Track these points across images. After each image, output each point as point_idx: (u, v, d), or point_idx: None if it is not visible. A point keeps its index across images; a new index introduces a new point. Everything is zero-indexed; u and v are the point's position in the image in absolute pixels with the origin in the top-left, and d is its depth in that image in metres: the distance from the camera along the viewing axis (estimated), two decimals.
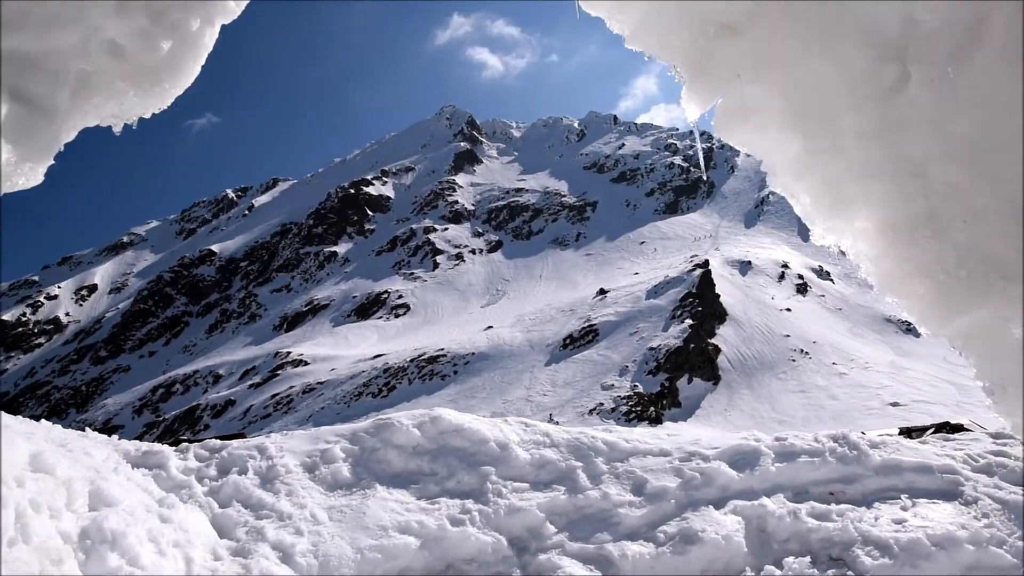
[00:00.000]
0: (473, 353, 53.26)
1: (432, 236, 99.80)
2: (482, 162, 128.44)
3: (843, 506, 5.55)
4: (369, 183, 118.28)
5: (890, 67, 3.00)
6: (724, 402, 43.62)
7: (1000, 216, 2.83)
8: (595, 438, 6.52)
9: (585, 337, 51.40)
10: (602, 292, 62.50)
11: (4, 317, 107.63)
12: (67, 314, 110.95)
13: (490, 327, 61.40)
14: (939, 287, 3.22)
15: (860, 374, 45.99)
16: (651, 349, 46.36)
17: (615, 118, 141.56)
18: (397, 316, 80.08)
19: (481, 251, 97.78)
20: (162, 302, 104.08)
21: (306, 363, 62.42)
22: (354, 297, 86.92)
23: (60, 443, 5.13)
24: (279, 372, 61.23)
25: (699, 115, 3.73)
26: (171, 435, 53.45)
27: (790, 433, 6.57)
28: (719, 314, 52.97)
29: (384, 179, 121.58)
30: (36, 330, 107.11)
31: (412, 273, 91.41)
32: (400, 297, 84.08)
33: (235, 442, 6.57)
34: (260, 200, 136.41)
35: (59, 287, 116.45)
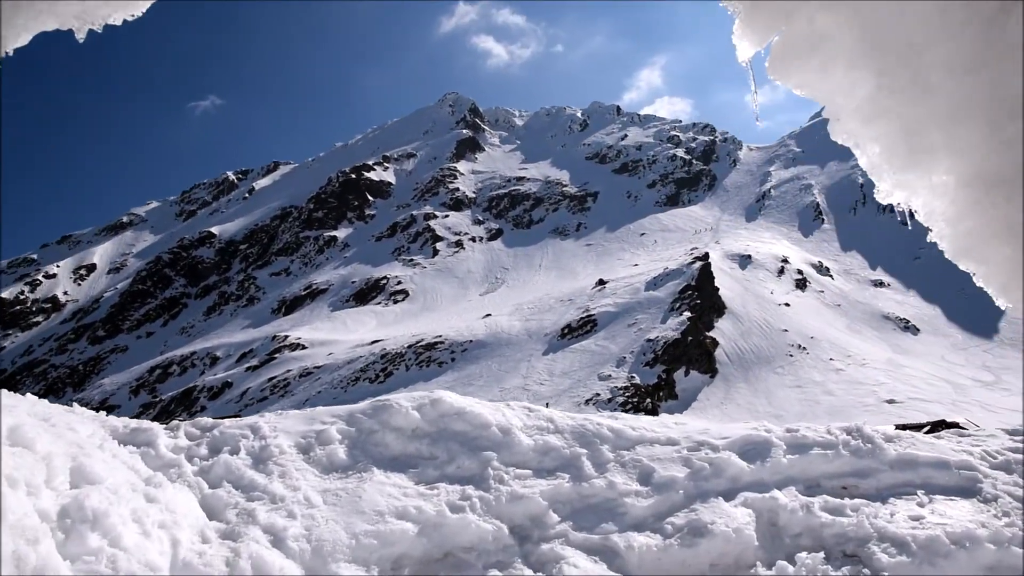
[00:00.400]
0: (471, 341, 53.17)
1: (432, 223, 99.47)
2: (484, 150, 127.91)
3: (857, 501, 5.34)
4: (370, 168, 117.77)
5: None
6: (720, 395, 43.56)
7: None
8: (600, 425, 6.31)
9: (583, 327, 51.30)
10: (601, 283, 62.35)
11: (2, 295, 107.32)
12: (65, 293, 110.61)
13: (488, 315, 61.27)
14: None
15: (857, 371, 45.95)
16: (649, 341, 46.25)
17: (618, 109, 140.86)
18: (396, 302, 79.92)
19: (481, 239, 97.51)
20: (161, 283, 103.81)
21: (304, 347, 62.33)
22: (353, 282, 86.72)
23: (43, 417, 4.90)
24: (276, 355, 61.13)
25: (753, 53, 3.36)
26: (167, 416, 53.32)
27: (801, 424, 6.36)
28: (718, 307, 52.85)
29: (385, 165, 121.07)
30: (34, 308, 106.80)
31: (411, 259, 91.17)
32: (399, 283, 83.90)
33: (227, 421, 6.35)
34: (261, 183, 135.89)
35: (58, 266, 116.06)
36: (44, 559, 3.23)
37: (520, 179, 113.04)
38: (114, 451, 5.04)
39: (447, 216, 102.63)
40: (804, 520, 5.15)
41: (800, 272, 66.93)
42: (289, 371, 55.47)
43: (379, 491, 5.37)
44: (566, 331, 51.39)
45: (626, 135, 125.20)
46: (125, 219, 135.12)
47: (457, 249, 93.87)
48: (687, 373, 44.70)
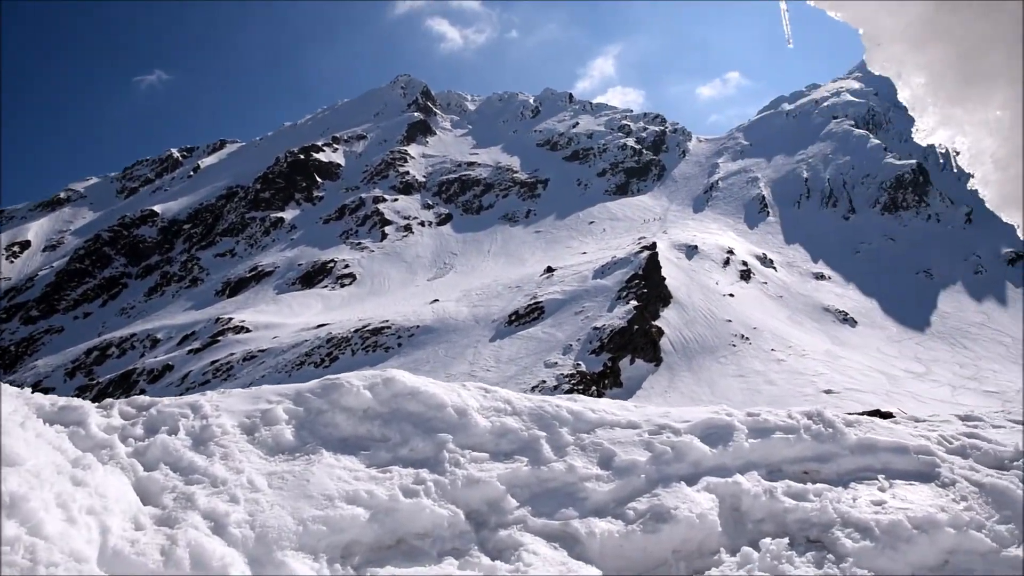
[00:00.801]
0: (418, 326, 52.72)
1: (381, 206, 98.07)
2: (435, 133, 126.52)
3: (819, 486, 5.28)
4: (319, 149, 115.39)
5: None
6: (665, 384, 44.05)
7: None
8: (559, 407, 6.12)
9: (531, 314, 51.29)
10: (549, 270, 62.41)
11: None
12: None
13: (436, 300, 60.82)
14: None
15: (797, 361, 46.98)
16: (595, 329, 46.46)
17: (570, 96, 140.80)
18: (343, 286, 78.72)
19: (430, 224, 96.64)
20: (99, 262, 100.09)
21: (248, 330, 60.97)
22: (299, 265, 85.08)
23: None
24: (220, 338, 59.64)
25: None
26: (105, 400, 51.51)
27: (762, 409, 6.28)
28: (664, 297, 53.38)
29: (335, 146, 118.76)
30: None
31: (359, 243, 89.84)
32: (346, 267, 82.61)
33: (166, 399, 5.97)
34: (206, 161, 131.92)
35: None
36: None
37: (471, 164, 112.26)
38: (38, 430, 4.64)
39: (396, 200, 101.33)
40: (767, 505, 5.06)
41: (745, 263, 68.08)
42: (232, 354, 54.19)
43: (328, 474, 5.09)
44: (513, 318, 51.31)
45: (577, 123, 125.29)
46: (63, 195, 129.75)
47: (406, 233, 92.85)
48: (632, 361, 45.06)
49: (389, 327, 53.20)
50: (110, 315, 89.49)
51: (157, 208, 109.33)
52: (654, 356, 46.11)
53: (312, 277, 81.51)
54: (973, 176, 2.93)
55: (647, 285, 53.13)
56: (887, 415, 9.67)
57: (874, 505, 5.04)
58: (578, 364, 42.70)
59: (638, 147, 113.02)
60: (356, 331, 53.54)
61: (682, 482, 5.31)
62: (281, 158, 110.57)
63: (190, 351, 59.47)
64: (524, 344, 46.91)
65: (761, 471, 5.53)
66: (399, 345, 50.37)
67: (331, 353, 50.82)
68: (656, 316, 50.19)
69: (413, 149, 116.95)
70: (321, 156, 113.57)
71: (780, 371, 45.02)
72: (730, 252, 69.31)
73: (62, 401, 5.69)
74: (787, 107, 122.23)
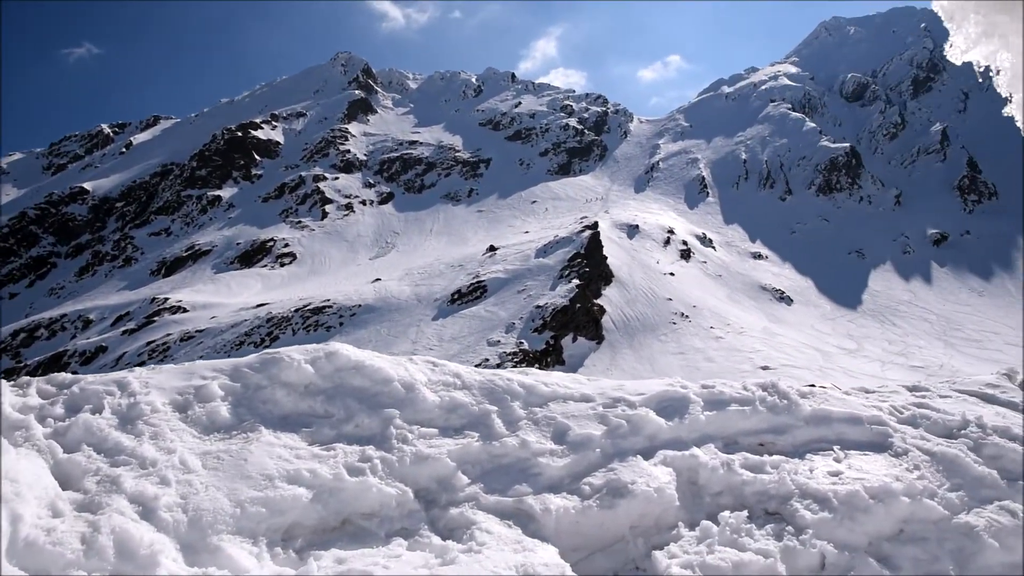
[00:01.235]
0: (360, 305, 52.00)
1: (322, 185, 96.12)
2: (376, 112, 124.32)
3: (776, 457, 5.21)
4: (258, 127, 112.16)
5: None
6: (607, 361, 44.49)
7: None
8: (510, 380, 5.90)
9: (473, 293, 51.11)
10: (492, 249, 62.22)
11: None
12: None
13: (378, 280, 60.07)
14: None
15: (735, 338, 47.99)
16: (538, 307, 46.56)
17: (513, 76, 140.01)
18: (283, 265, 77.10)
19: (372, 202, 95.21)
20: (26, 241, 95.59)
21: (185, 310, 59.22)
22: (238, 244, 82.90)
23: None
24: (155, 319, 57.78)
25: None
26: None
27: (717, 380, 6.19)
28: (606, 275, 53.79)
29: (274, 123, 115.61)
30: None
31: (300, 222, 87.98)
32: (286, 246, 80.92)
33: (90, 376, 5.53)
34: (139, 138, 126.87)
35: None
36: None
37: (413, 143, 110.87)
38: None
39: (337, 178, 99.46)
40: (725, 478, 4.95)
41: (685, 243, 69.07)
42: (169, 335, 52.57)
43: (268, 453, 4.77)
44: (456, 297, 51.06)
45: (520, 103, 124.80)
46: None
47: (347, 212, 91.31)
48: (575, 339, 45.35)
49: (330, 306, 52.37)
50: (38, 296, 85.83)
51: (87, 185, 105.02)
52: (596, 334, 46.47)
53: (251, 256, 79.58)
54: (1010, 100, 2.72)
55: (589, 264, 53.44)
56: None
57: (831, 476, 4.99)
58: (521, 342, 42.76)
59: (580, 127, 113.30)
60: (297, 311, 52.56)
61: (638, 456, 5.16)
62: (218, 135, 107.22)
63: (124, 332, 57.52)
64: (467, 323, 46.75)
65: (717, 444, 5.43)
66: (340, 324, 49.63)
67: (271, 333, 49.80)
68: (598, 295, 50.56)
69: (354, 127, 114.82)
70: (259, 133, 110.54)
71: (719, 348, 45.93)
72: (671, 232, 70.22)
73: None
74: (727, 90, 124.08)
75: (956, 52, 2.82)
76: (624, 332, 48.01)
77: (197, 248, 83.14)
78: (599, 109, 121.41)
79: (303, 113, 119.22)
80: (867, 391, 6.60)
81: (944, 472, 5.14)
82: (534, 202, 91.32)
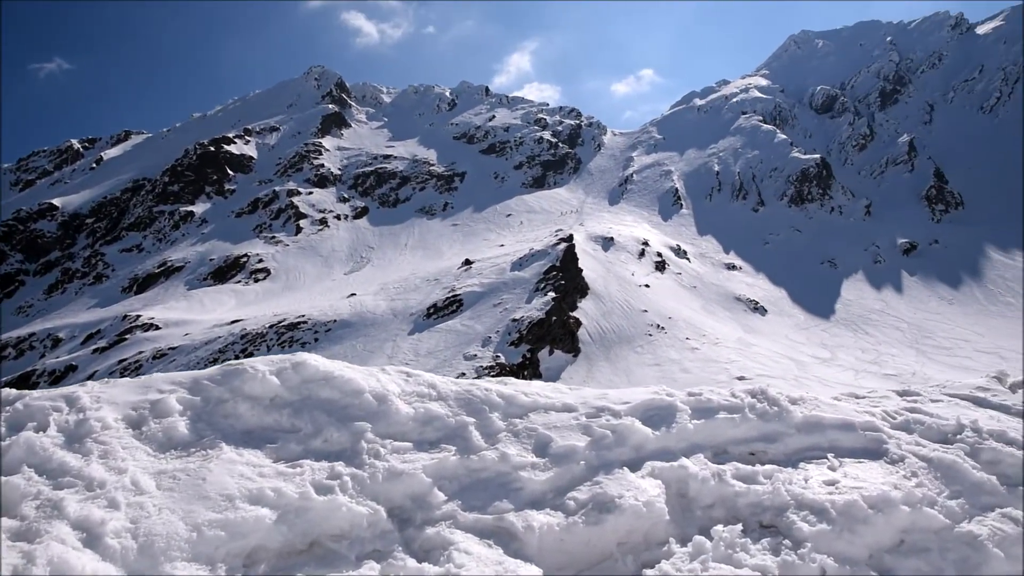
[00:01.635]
0: (335, 320, 51.39)
1: (296, 200, 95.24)
2: (350, 126, 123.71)
3: (769, 467, 4.95)
4: (231, 141, 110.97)
5: None
6: (583, 374, 44.33)
7: None
8: (489, 390, 5.60)
9: (449, 307, 50.74)
10: (467, 263, 61.92)
11: None
12: None
13: (353, 295, 59.46)
14: None
15: (711, 349, 48.06)
16: (514, 320, 46.30)
17: (487, 89, 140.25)
18: (257, 281, 76.09)
19: (346, 217, 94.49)
20: None
21: (157, 327, 58.08)
22: (211, 260, 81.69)
23: None
24: (127, 336, 56.61)
25: None
26: None
27: (704, 388, 5.94)
28: (581, 288, 53.69)
29: (247, 138, 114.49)
30: None
31: (274, 237, 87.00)
32: (260, 261, 79.90)
33: (36, 392, 5.15)
34: (110, 153, 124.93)
35: None
36: None
37: (387, 157, 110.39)
38: None
39: (311, 193, 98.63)
40: (716, 490, 4.69)
41: (659, 255, 69.25)
42: (141, 352, 51.48)
43: (228, 471, 4.42)
44: (432, 311, 50.65)
45: (494, 116, 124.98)
46: None
47: (321, 227, 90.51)
48: (551, 352, 45.12)
49: (305, 322, 51.70)
50: (6, 314, 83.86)
51: (56, 201, 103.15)
52: (572, 347, 46.28)
53: (225, 272, 78.45)
54: None
55: (565, 277, 53.31)
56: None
57: (827, 485, 4.75)
58: (497, 356, 42.43)
59: (554, 140, 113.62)
60: (271, 326, 51.82)
61: (625, 468, 4.88)
62: (190, 150, 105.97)
63: (95, 350, 56.27)
64: (443, 337, 46.35)
65: (707, 453, 5.17)
66: (316, 340, 48.96)
67: (246, 349, 49.01)
68: (574, 307, 50.42)
69: (328, 141, 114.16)
70: (232, 148, 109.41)
71: (695, 359, 45.94)
72: (645, 244, 70.39)
73: None
74: (699, 102, 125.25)
75: None
76: (600, 344, 47.90)
77: (170, 264, 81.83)
78: (573, 122, 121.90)
79: (276, 127, 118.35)
80: (857, 396, 6.40)
81: (942, 479, 4.93)
82: (509, 215, 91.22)
